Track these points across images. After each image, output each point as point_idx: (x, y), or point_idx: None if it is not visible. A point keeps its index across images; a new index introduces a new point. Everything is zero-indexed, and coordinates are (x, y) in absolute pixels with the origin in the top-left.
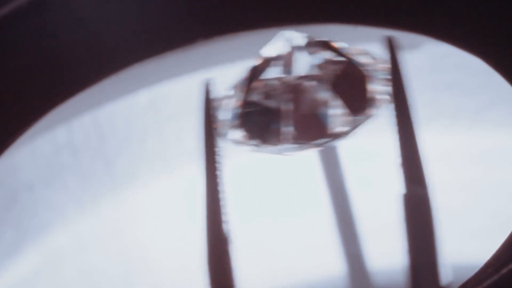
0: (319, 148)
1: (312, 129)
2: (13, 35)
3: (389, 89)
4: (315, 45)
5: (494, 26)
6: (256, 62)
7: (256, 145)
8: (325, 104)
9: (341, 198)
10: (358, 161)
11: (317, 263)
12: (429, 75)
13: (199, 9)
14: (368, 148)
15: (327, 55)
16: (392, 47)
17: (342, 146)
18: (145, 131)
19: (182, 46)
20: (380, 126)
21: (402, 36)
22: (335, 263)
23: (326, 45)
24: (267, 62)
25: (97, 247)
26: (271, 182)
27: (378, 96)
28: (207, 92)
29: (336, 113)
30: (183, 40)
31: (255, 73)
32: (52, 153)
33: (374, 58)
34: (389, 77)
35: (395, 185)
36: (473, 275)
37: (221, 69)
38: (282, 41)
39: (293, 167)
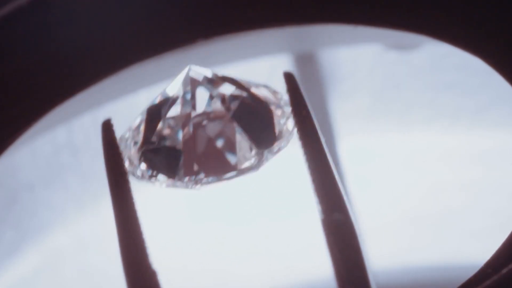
0: (226, 182)
1: (216, 165)
2: (13, 35)
3: (293, 120)
4: (216, 80)
5: (494, 26)
6: (157, 99)
7: (162, 181)
8: (228, 139)
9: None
10: (358, 161)
11: (317, 263)
12: (429, 75)
13: (199, 9)
14: (368, 148)
15: (229, 89)
16: (292, 81)
17: (342, 146)
18: None
19: (182, 46)
20: (378, 127)
21: (402, 36)
22: None
23: (227, 80)
24: (169, 99)
25: (97, 247)
26: (270, 183)
27: (283, 129)
28: (109, 131)
29: (241, 147)
30: (183, 40)
31: (156, 110)
32: (52, 153)
33: (275, 91)
34: (293, 111)
35: (395, 185)
36: (473, 275)
37: (221, 69)
38: (183, 76)
39: (291, 167)
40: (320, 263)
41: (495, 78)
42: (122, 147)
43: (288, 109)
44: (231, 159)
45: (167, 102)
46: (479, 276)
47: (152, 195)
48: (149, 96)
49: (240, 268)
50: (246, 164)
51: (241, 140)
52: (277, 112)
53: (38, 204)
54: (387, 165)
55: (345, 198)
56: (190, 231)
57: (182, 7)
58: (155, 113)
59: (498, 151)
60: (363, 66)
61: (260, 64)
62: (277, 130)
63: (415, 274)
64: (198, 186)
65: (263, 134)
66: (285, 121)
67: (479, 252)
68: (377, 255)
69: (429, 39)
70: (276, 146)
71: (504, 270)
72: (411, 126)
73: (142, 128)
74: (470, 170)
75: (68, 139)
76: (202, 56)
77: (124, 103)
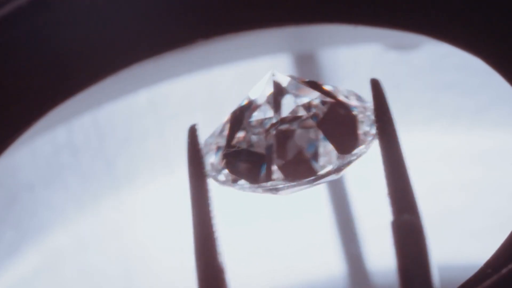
0: (307, 188)
1: (299, 170)
2: (13, 35)
3: (376, 128)
4: (301, 85)
5: (494, 26)
6: (242, 103)
7: (243, 186)
8: (312, 144)
9: (341, 198)
10: (358, 161)
11: (317, 263)
12: (429, 75)
13: (199, 9)
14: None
15: (314, 95)
16: (377, 88)
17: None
18: (145, 131)
19: (182, 46)
20: None
21: (402, 36)
22: (335, 263)
23: (312, 85)
24: (252, 103)
25: (97, 247)
26: None
27: (366, 136)
28: (193, 136)
29: (324, 152)
30: (183, 40)
31: (240, 114)
32: (52, 153)
33: (360, 98)
34: (376, 116)
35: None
36: (473, 275)
37: (221, 69)
38: (267, 81)
39: None
40: (321, 263)
41: (495, 78)
42: (205, 151)
43: (372, 115)
44: (314, 164)
45: (251, 106)
46: (479, 276)
47: (152, 195)
48: (149, 96)
49: (240, 268)
50: (328, 169)
51: (324, 145)
52: (360, 118)
53: (38, 204)
54: None
55: (418, 203)
56: (191, 231)
57: (182, 7)
58: (238, 118)
59: (498, 151)
60: (363, 66)
61: (260, 64)
62: (359, 136)
63: None
64: (279, 191)
65: (345, 140)
66: (368, 127)
67: (479, 252)
68: (377, 255)
69: (429, 39)
70: (357, 151)
71: (504, 270)
72: (411, 126)
73: (226, 133)
74: (470, 170)
75: (68, 139)
76: (202, 56)
77: (124, 103)
